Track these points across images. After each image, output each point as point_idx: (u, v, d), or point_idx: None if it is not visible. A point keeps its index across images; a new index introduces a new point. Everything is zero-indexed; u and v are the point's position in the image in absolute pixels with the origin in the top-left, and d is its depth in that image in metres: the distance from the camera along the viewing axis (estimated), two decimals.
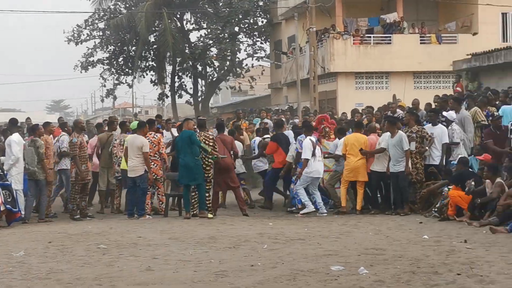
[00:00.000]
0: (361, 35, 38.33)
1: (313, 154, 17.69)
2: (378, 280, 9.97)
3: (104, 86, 53.35)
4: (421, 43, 38.34)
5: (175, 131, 22.03)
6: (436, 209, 16.50)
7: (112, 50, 51.58)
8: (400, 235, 14.11)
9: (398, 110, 24.58)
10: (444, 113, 18.69)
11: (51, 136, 18.33)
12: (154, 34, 49.87)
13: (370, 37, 38.63)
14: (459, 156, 17.36)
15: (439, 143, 17.72)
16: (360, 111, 24.86)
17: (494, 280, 9.72)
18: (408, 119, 18.40)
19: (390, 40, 38.26)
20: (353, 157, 17.91)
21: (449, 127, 18.18)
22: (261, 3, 49.32)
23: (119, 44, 51.02)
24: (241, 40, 50.64)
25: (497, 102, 19.95)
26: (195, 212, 17.44)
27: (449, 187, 16.14)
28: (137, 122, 18.89)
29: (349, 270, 10.68)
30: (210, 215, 17.14)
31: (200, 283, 10.12)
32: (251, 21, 49.90)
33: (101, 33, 51.72)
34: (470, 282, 9.68)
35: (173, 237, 14.18)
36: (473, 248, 12.28)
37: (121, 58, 51.97)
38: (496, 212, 14.73)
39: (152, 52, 50.84)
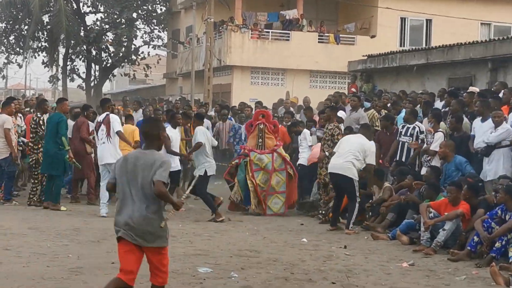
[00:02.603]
0: (260, 29, 37.63)
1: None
2: (247, 286, 9.24)
3: None
4: (319, 42, 37.85)
5: None
6: (323, 212, 15.77)
7: (3, 28, 49.46)
8: (278, 237, 13.37)
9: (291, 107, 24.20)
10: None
11: None
12: (49, 14, 48.00)
13: (268, 32, 37.95)
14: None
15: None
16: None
17: None
18: (329, 115, 16.51)
19: (288, 36, 37.67)
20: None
21: None
22: None
23: (10, 22, 48.90)
24: (138, 26, 49.35)
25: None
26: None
27: None
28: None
29: (217, 273, 9.89)
30: (63, 208, 15.80)
31: (51, 280, 9.17)
32: (150, 8, 48.67)
33: None
34: None
35: (33, 227, 13.10)
36: (352, 255, 11.65)
37: (12, 37, 49.86)
38: (380, 216, 14.22)
39: (45, 33, 48.93)
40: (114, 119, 15.46)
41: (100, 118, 15.65)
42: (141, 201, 7.07)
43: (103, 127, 15.32)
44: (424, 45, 34.98)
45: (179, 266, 10.12)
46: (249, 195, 16.64)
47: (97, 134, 15.51)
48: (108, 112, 15.54)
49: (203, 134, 15.62)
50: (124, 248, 7.18)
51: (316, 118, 19.33)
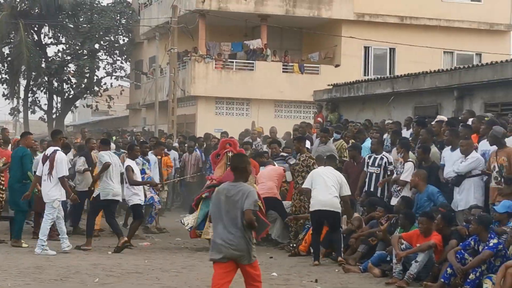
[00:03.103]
0: (224, 59, 37.48)
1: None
2: None
3: None
4: (283, 71, 37.76)
5: None
6: (294, 245, 15.40)
7: None
8: None
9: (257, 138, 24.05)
10: None
11: None
12: (9, 46, 47.52)
13: (232, 62, 37.82)
14: None
15: None
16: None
17: None
18: (298, 146, 16.49)
19: (252, 66, 37.56)
20: None
21: None
22: (123, 21, 47.87)
23: None
24: (100, 57, 49.09)
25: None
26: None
27: None
28: None
29: None
30: (25, 244, 15.26)
31: None
32: (112, 38, 48.42)
33: None
34: None
35: None
36: None
37: None
38: (351, 248, 13.97)
39: (5, 65, 48.37)
40: (61, 160, 14.54)
41: (48, 151, 14.79)
42: (234, 228, 8.29)
43: (47, 163, 14.53)
44: (388, 74, 35.16)
45: None
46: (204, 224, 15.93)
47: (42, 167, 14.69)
48: (56, 149, 14.75)
49: (108, 156, 15.31)
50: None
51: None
